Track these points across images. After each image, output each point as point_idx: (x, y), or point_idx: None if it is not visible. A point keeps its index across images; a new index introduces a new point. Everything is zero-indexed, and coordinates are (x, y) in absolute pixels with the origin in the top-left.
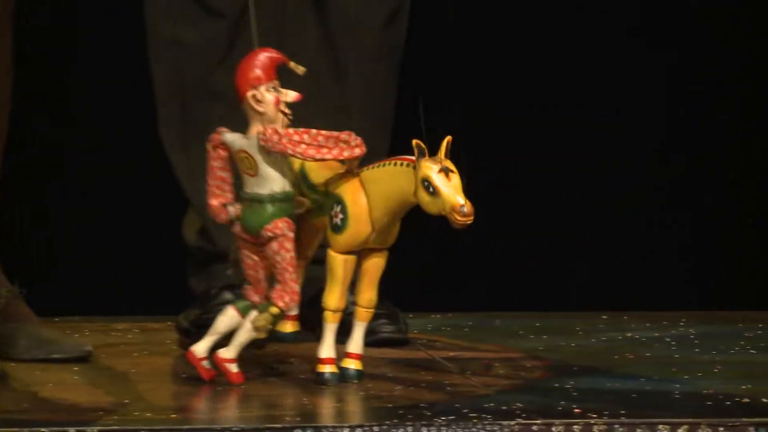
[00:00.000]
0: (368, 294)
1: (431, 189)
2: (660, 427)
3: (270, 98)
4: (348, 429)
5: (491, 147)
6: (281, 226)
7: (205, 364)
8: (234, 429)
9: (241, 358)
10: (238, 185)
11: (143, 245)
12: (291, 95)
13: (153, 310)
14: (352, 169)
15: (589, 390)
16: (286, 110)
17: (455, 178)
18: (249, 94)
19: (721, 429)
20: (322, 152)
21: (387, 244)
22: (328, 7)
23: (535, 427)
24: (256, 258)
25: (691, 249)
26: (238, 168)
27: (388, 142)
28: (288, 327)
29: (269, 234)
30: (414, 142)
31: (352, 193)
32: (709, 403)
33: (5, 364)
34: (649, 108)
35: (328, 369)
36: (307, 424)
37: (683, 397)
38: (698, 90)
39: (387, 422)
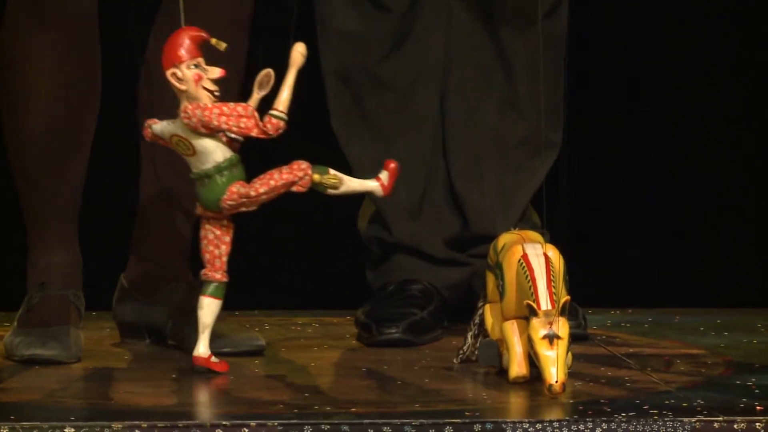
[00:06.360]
0: None
1: (532, 351)
2: None
3: (190, 75)
4: (528, 424)
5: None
6: (235, 191)
7: (214, 359)
8: (414, 423)
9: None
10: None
11: (322, 239)
12: (215, 72)
13: (333, 305)
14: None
15: None
16: (210, 87)
17: (560, 346)
18: (169, 72)
19: None
20: (240, 123)
21: None
22: (491, 1)
23: (716, 425)
24: (218, 232)
25: None
26: (178, 153)
27: (561, 134)
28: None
29: (230, 203)
30: (525, 302)
31: (509, 264)
32: None
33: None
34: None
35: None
36: (487, 419)
37: None
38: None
39: (567, 418)
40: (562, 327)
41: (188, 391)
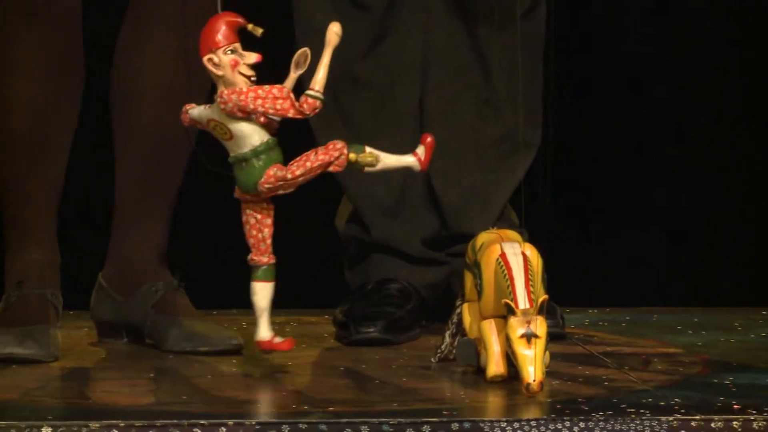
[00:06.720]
0: None
1: (510, 350)
2: None
3: (227, 60)
4: (505, 423)
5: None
6: (272, 174)
7: (278, 339)
8: (392, 422)
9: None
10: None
11: (301, 238)
12: (252, 57)
13: (311, 304)
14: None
15: (749, 386)
16: (247, 72)
17: (538, 345)
18: (206, 58)
19: None
20: (276, 105)
21: None
22: (470, 0)
23: (693, 423)
24: (259, 216)
25: None
26: (216, 137)
27: (539, 133)
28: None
29: (267, 186)
30: (503, 301)
31: (487, 263)
32: None
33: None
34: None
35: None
36: (465, 418)
37: None
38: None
39: (545, 417)
40: (540, 326)
41: (166, 390)
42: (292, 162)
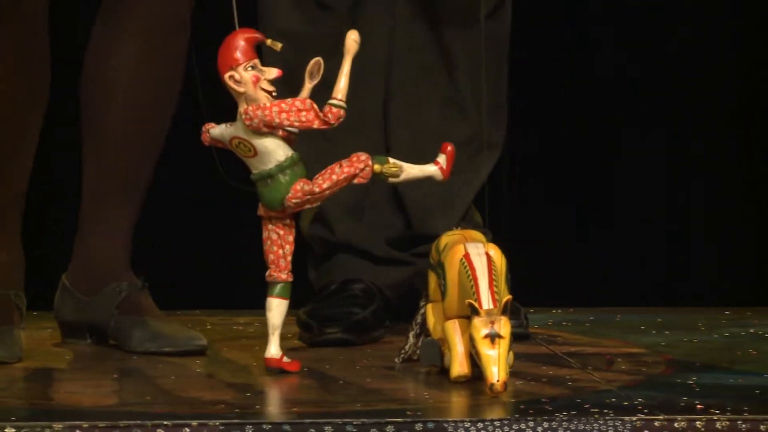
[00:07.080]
0: None
1: (474, 350)
2: None
3: (248, 77)
4: (469, 423)
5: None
6: (299, 189)
7: (286, 359)
8: (355, 422)
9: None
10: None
11: None
12: (272, 72)
13: None
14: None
15: (712, 386)
16: (268, 87)
17: (501, 345)
18: (227, 75)
19: None
20: (301, 117)
21: None
22: (435, 0)
23: (657, 423)
24: (282, 232)
25: None
26: (238, 156)
27: (504, 133)
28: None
29: (294, 201)
30: (467, 301)
31: (451, 263)
32: None
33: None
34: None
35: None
36: (428, 418)
37: None
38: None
39: (508, 417)
40: (504, 326)
41: (129, 391)
42: (317, 176)
